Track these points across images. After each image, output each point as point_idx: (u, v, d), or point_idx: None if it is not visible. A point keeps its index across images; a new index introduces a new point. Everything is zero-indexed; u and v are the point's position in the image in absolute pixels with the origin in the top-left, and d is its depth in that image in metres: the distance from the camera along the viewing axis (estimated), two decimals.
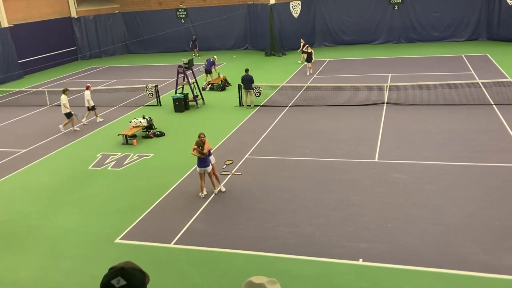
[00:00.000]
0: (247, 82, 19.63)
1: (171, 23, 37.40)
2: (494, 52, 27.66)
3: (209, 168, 11.76)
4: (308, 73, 25.27)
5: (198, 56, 34.37)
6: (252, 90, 19.86)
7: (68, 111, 18.39)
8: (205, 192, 11.99)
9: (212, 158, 11.95)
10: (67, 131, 18.64)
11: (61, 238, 10.60)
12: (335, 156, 14.00)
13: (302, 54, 29.22)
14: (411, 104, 18.51)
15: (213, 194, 11.92)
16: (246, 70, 20.10)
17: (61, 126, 18.69)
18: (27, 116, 21.66)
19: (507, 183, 11.38)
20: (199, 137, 11.77)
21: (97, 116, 19.95)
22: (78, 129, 18.26)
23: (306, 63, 25.73)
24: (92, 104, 19.52)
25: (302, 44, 29.62)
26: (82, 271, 9.28)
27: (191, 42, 35.99)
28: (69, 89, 18.78)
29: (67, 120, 18.61)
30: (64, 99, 18.32)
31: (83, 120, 19.61)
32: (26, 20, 32.92)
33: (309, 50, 25.59)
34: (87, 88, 19.79)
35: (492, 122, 15.81)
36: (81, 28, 37.36)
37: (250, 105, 19.97)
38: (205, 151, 11.65)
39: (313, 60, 26.27)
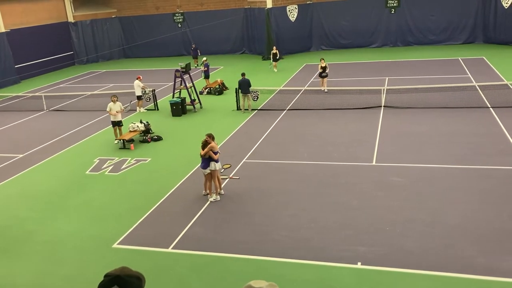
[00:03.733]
0: (245, 86, 19.64)
1: (168, 27, 37.44)
2: (490, 55, 27.75)
3: (205, 171, 11.76)
4: (324, 89, 21.88)
5: (196, 66, 30.97)
6: (249, 94, 19.87)
7: (111, 119, 17.29)
8: (207, 192, 12.04)
9: (213, 164, 11.65)
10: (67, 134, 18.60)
11: (58, 243, 10.55)
12: (333, 159, 13.99)
13: (273, 63, 28.34)
14: (408, 107, 18.53)
15: (208, 201, 11.86)
16: (243, 74, 20.11)
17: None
18: (24, 121, 21.60)
19: (505, 186, 11.39)
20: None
21: (141, 107, 21.67)
22: (116, 142, 17.15)
23: (320, 78, 22.24)
24: (139, 93, 21.38)
25: (273, 51, 28.34)
26: (80, 276, 9.23)
27: (191, 50, 33.22)
28: (116, 96, 17.52)
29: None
30: (108, 106, 17.29)
31: (140, 110, 21.60)
32: (23, 25, 32.90)
33: (323, 64, 21.90)
34: (138, 78, 21.57)
35: (489, 125, 15.84)
36: (78, 33, 37.35)
37: (247, 109, 19.97)
38: (202, 153, 11.63)
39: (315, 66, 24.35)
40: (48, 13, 35.30)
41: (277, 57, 28.42)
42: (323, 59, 22.26)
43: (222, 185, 12.48)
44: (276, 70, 27.94)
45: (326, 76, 21.99)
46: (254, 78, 23.48)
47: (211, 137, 11.79)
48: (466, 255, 8.77)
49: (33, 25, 33.71)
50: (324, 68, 21.87)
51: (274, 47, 28.81)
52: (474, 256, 8.72)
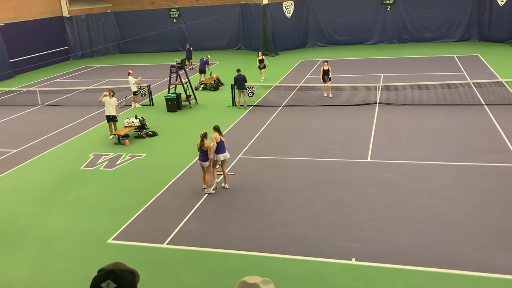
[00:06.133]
0: (241, 82, 19.62)
1: (164, 22, 37.30)
2: (485, 52, 27.86)
3: (205, 164, 11.91)
4: (326, 95, 20.71)
5: (191, 68, 29.34)
6: (245, 90, 19.85)
7: (106, 113, 17.11)
8: (204, 186, 12.21)
9: (213, 156, 11.95)
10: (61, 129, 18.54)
11: (53, 238, 10.53)
12: (328, 156, 14.02)
13: (261, 70, 24.43)
14: (403, 104, 18.59)
15: (204, 197, 11.91)
16: (238, 70, 20.07)
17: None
18: (18, 116, 21.49)
19: (498, 183, 11.46)
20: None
21: (136, 102, 21.59)
22: (111, 138, 16.96)
23: (324, 83, 20.55)
24: (135, 89, 21.33)
25: (259, 58, 24.44)
26: (74, 272, 9.22)
27: (185, 51, 31.18)
28: (113, 91, 17.25)
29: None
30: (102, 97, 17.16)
31: (136, 105, 21.49)
32: (17, 19, 32.67)
33: (326, 67, 20.26)
34: (129, 74, 21.54)
35: (483, 122, 15.92)
36: (73, 28, 37.14)
37: (243, 105, 19.96)
38: (209, 155, 11.80)
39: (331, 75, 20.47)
40: (42, 7, 35.07)
41: (264, 64, 24.46)
42: (326, 62, 20.50)
43: (218, 180, 12.50)
44: (263, 80, 24.22)
45: (328, 80, 20.35)
46: (249, 74, 23.48)
47: (216, 128, 12.08)
48: (459, 251, 8.83)
49: (28, 19, 33.49)
50: (326, 72, 20.23)
51: (260, 53, 25.04)
52: (468, 252, 8.78)
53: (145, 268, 8.92)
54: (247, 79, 20.00)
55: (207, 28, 36.25)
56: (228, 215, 10.91)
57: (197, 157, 12.28)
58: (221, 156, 12.00)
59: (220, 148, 11.96)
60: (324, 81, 20.41)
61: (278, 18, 33.20)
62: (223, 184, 12.30)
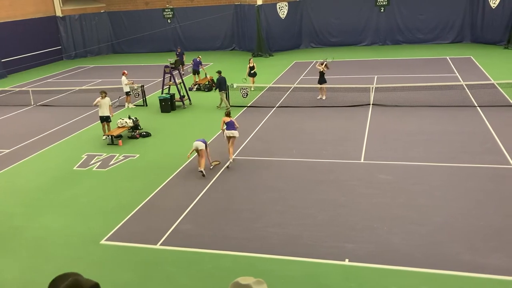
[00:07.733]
0: (224, 83, 19.70)
1: (158, 23, 37.22)
2: (477, 54, 28.03)
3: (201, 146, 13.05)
4: (321, 97, 20.43)
5: (183, 72, 27.61)
6: (225, 91, 19.83)
7: (99, 114, 17.06)
8: (204, 171, 13.05)
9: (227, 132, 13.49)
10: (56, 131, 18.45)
11: (46, 239, 10.47)
12: (321, 156, 14.05)
13: (250, 78, 22.70)
14: (397, 105, 18.66)
15: (197, 198, 11.93)
16: (219, 72, 20.11)
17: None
18: (11, 116, 21.35)
19: (491, 184, 11.53)
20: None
21: (129, 103, 21.51)
22: (104, 138, 16.86)
23: (319, 85, 20.25)
24: (128, 89, 21.27)
25: (250, 65, 22.64)
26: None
27: (176, 55, 28.51)
28: (105, 92, 17.15)
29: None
30: (96, 100, 17.09)
31: (129, 106, 21.45)
32: (10, 18, 32.48)
33: (321, 69, 19.95)
34: (124, 74, 21.53)
35: (476, 124, 16.02)
36: (66, 27, 36.98)
37: (226, 106, 19.80)
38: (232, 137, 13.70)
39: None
40: (35, 7, 34.89)
41: (255, 72, 22.83)
42: (321, 64, 20.20)
43: (210, 183, 12.50)
44: (253, 89, 22.27)
45: (323, 82, 20.13)
46: (244, 75, 23.48)
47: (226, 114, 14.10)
48: (452, 252, 8.87)
49: (21, 18, 33.31)
50: (321, 74, 19.97)
51: (251, 60, 23.02)
52: (461, 253, 8.82)
53: (138, 269, 8.89)
54: (243, 79, 20.04)
55: (201, 29, 36.23)
56: (221, 216, 10.90)
57: (190, 159, 12.61)
58: (228, 133, 13.49)
59: (229, 126, 13.60)
60: (320, 82, 20.26)
61: (272, 19, 33.25)
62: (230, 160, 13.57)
